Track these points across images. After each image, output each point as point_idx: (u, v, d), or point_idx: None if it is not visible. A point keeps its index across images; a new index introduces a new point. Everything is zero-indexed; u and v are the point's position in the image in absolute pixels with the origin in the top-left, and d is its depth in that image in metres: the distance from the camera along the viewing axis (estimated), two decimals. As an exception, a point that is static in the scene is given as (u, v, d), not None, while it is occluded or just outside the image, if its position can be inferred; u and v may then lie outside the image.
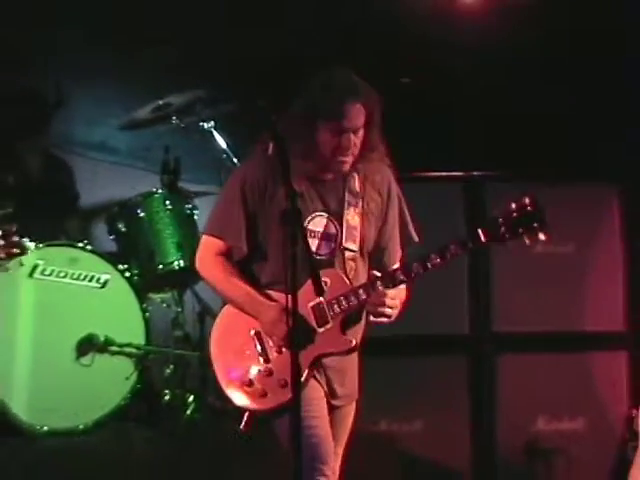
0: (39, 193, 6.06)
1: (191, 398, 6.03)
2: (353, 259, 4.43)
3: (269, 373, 4.37)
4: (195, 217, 6.24)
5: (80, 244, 5.82)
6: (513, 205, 4.29)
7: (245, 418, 4.38)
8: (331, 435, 4.35)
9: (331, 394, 4.44)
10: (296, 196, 4.10)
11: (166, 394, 6.07)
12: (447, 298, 6.36)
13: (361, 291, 4.33)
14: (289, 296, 3.95)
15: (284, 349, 4.34)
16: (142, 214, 6.14)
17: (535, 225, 4.27)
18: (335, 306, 4.34)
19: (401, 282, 4.34)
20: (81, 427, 5.63)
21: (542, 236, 4.27)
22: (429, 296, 5.87)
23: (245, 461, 5.37)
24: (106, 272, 5.80)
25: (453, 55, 6.69)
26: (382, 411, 6.33)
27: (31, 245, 5.45)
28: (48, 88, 6.07)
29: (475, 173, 6.64)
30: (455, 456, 6.43)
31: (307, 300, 4.29)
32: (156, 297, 6.33)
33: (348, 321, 4.39)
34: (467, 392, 6.51)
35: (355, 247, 4.44)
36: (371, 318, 4.41)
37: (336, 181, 4.46)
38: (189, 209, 6.24)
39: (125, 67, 6.53)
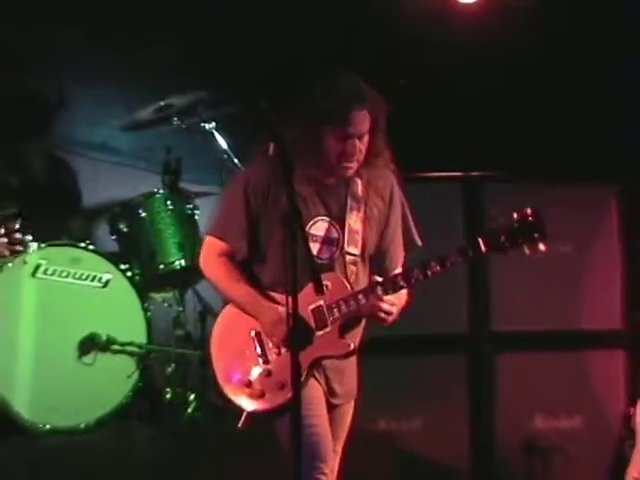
0: (42, 193, 6.08)
1: (192, 396, 6.03)
2: (354, 263, 4.44)
3: (268, 374, 4.39)
4: (196, 217, 6.25)
5: (82, 244, 5.83)
6: (515, 215, 4.32)
7: (243, 417, 4.40)
8: (330, 434, 4.38)
9: (330, 393, 4.46)
10: (296, 196, 4.12)
11: (167, 393, 6.09)
12: (446, 297, 6.35)
13: (361, 296, 4.35)
14: (289, 297, 3.96)
15: (283, 351, 4.36)
16: (144, 214, 6.16)
17: (536, 236, 4.30)
18: (335, 310, 4.36)
19: (401, 288, 4.36)
20: (83, 425, 5.63)
21: (542, 247, 4.31)
22: (428, 295, 5.86)
23: (246, 459, 5.37)
24: (108, 272, 5.82)
25: (452, 56, 6.67)
26: (381, 409, 6.35)
27: (33, 244, 5.54)
28: (49, 89, 6.08)
29: (474, 173, 6.65)
30: (454, 454, 6.45)
31: (307, 303, 4.32)
32: (157, 296, 6.34)
33: (347, 325, 4.41)
34: (466, 390, 6.54)
35: (357, 251, 4.45)
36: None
37: (339, 186, 4.48)
38: (190, 209, 6.25)
39: (125, 67, 6.51)
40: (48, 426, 5.60)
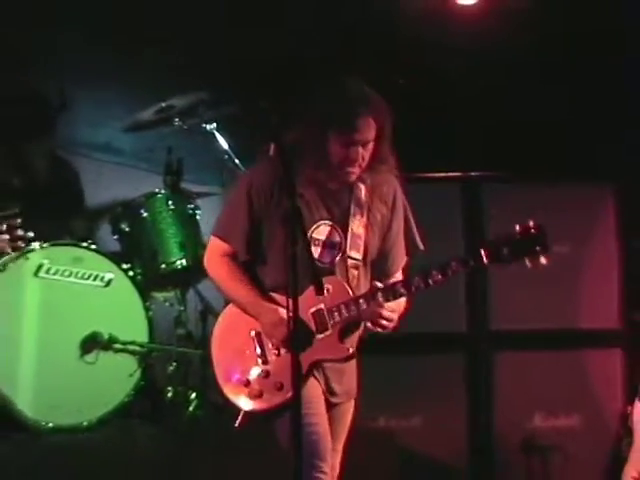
0: (44, 194, 6.07)
1: (193, 395, 6.05)
2: (356, 268, 4.46)
3: (266, 375, 4.41)
4: (197, 217, 6.27)
5: (84, 244, 5.84)
6: (517, 227, 4.33)
7: (240, 417, 4.43)
8: (329, 432, 4.39)
9: (329, 392, 4.48)
10: (296, 195, 4.15)
11: (169, 391, 6.10)
12: (445, 297, 6.31)
13: (362, 300, 4.36)
14: (290, 300, 3.98)
15: (282, 352, 4.38)
16: (145, 214, 6.18)
17: (538, 249, 4.31)
18: (335, 314, 4.37)
19: (401, 295, 4.38)
20: (85, 424, 5.64)
21: (544, 260, 4.31)
22: (427, 295, 5.89)
23: (247, 457, 5.37)
24: (110, 271, 5.83)
25: (452, 57, 6.67)
26: (381, 407, 6.36)
27: (36, 244, 5.57)
28: (51, 90, 6.09)
29: (473, 174, 6.65)
30: (453, 452, 6.46)
31: (308, 306, 4.33)
32: (159, 296, 6.37)
33: (346, 329, 4.43)
34: (465, 389, 6.53)
35: (359, 256, 4.46)
36: (368, 325, 4.45)
37: (342, 190, 4.48)
38: (191, 209, 6.27)
39: (126, 68, 6.51)
40: (51, 424, 5.61)
